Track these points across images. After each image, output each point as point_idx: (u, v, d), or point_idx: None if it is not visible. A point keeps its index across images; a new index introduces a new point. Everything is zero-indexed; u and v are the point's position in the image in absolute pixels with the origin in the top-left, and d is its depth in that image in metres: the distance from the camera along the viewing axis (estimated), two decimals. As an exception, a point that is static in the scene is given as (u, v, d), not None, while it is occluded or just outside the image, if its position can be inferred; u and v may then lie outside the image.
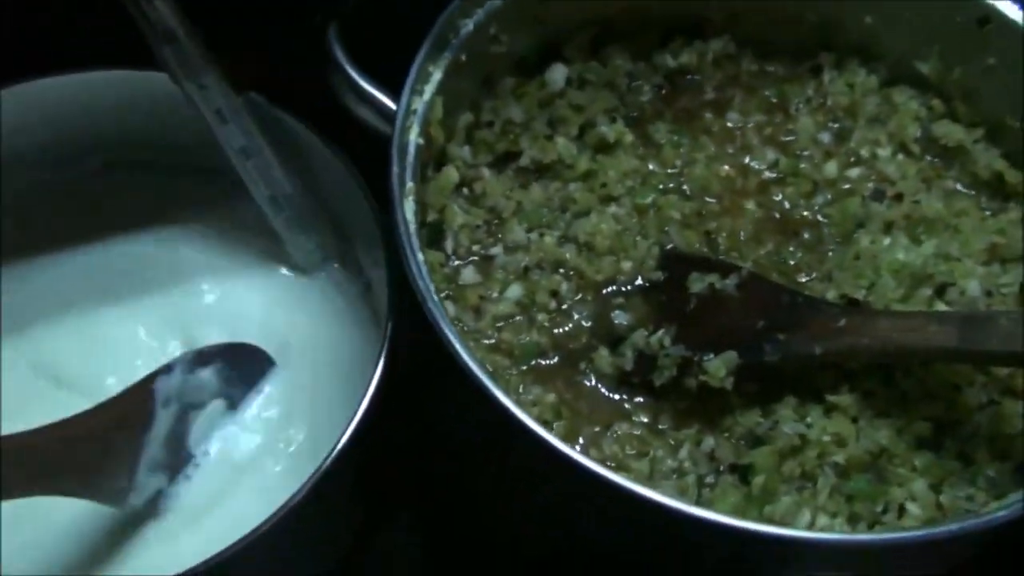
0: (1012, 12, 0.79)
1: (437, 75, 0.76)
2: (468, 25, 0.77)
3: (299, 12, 0.75)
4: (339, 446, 0.65)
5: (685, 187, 0.84)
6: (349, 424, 0.66)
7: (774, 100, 0.88)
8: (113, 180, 0.84)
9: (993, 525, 0.61)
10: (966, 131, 0.83)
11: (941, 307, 0.74)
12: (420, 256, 0.67)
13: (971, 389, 0.71)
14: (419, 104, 0.74)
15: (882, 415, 0.71)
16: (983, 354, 0.65)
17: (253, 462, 0.75)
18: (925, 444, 0.71)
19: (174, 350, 0.78)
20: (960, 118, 0.84)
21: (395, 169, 0.68)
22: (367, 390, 0.66)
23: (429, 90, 0.75)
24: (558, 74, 0.85)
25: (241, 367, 0.77)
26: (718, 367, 0.71)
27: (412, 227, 0.69)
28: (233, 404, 0.76)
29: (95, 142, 0.83)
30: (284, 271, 0.84)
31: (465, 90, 0.80)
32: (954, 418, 0.71)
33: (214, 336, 0.79)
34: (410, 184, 0.71)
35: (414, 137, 0.72)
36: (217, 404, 0.76)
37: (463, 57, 0.76)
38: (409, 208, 0.70)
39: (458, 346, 0.63)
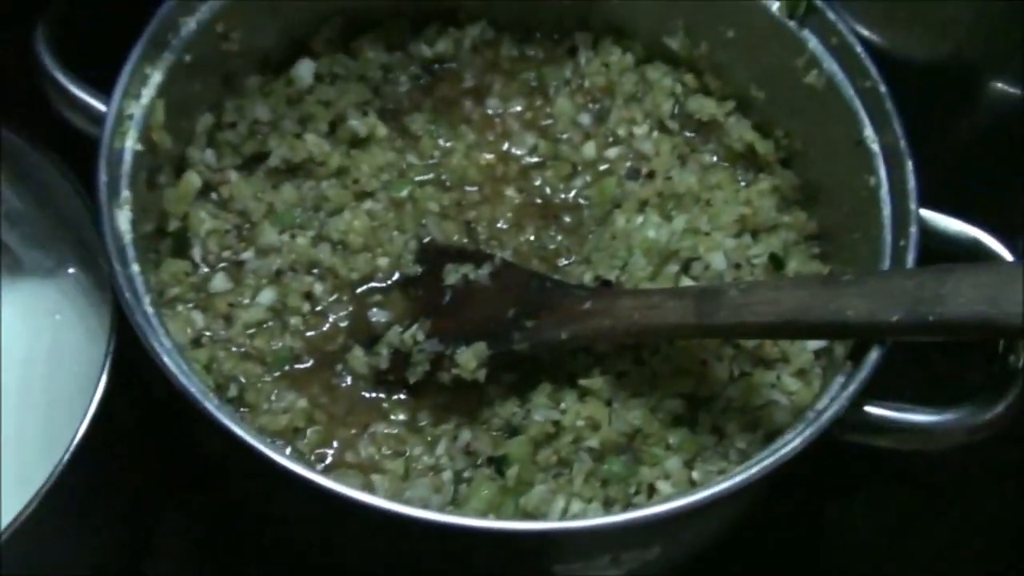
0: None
1: (157, 77, 0.73)
2: (190, 24, 0.74)
3: (9, 14, 0.71)
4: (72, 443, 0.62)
5: (444, 178, 0.82)
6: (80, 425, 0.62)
7: (534, 84, 0.87)
8: None
9: (733, 490, 0.60)
10: (718, 104, 0.84)
11: (687, 283, 0.74)
12: (132, 268, 0.65)
13: (720, 363, 0.72)
14: (136, 108, 0.71)
15: (636, 395, 0.71)
16: (718, 328, 0.65)
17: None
18: (680, 421, 0.71)
19: None
20: (713, 92, 0.85)
21: (103, 178, 0.65)
22: (91, 400, 0.63)
23: (148, 93, 0.72)
24: (305, 70, 0.82)
25: None
26: (468, 359, 0.70)
27: (128, 237, 0.66)
28: None
29: None
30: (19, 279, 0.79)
31: (200, 91, 0.77)
32: (706, 393, 0.71)
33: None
34: (126, 193, 0.68)
35: (130, 144, 0.69)
36: None
37: (187, 57, 0.73)
38: (124, 218, 0.67)
39: (169, 364, 0.60)
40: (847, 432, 0.63)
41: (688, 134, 0.85)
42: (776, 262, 0.77)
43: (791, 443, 0.62)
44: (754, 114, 0.84)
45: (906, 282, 0.60)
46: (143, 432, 0.71)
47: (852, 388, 0.61)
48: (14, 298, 0.79)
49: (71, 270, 0.79)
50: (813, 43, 0.76)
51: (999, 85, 0.73)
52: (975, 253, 0.68)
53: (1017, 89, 0.72)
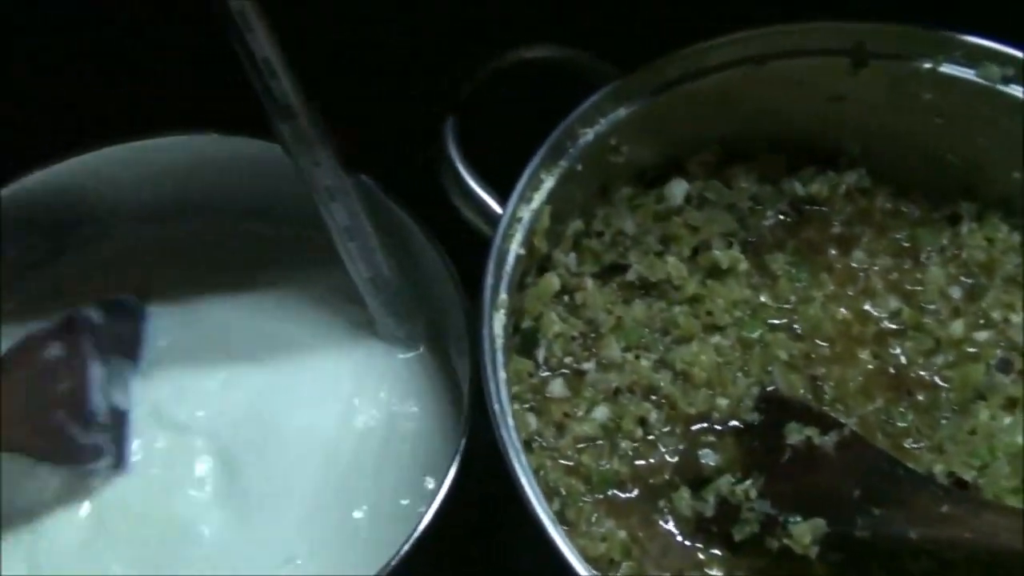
0: None
1: (549, 183, 0.73)
2: (588, 134, 0.74)
3: (419, 96, 0.73)
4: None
5: (796, 326, 0.79)
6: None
7: (905, 244, 0.83)
8: (208, 240, 0.84)
9: None
10: (1115, 307, 0.77)
11: (1056, 507, 0.67)
12: (501, 375, 0.64)
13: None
14: (525, 212, 0.72)
15: (966, 611, 0.65)
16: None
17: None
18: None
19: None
20: (1102, 293, 0.78)
21: (489, 281, 0.66)
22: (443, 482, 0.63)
23: (539, 198, 0.73)
24: (678, 189, 0.81)
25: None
26: (804, 533, 0.67)
27: (500, 342, 0.67)
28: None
29: (199, 201, 0.82)
30: (371, 344, 0.81)
31: (577, 197, 0.78)
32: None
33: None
34: (503, 296, 0.68)
35: (515, 247, 0.70)
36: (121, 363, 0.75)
37: (579, 167, 0.74)
38: (499, 322, 0.67)
39: (523, 480, 0.60)
40: None
41: (1071, 333, 0.78)
42: None
43: None
44: None
45: None
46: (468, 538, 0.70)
47: None
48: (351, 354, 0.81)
49: (420, 349, 0.80)
50: None
51: None
52: None
53: None
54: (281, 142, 0.72)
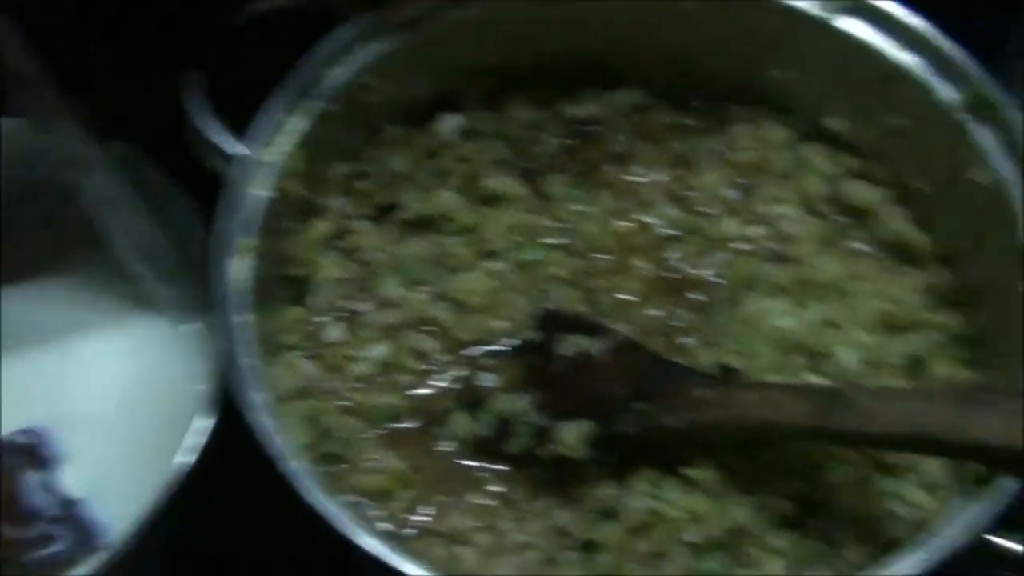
0: (919, 70, 0.74)
1: (301, 126, 0.73)
2: (338, 74, 0.74)
3: (164, 54, 0.73)
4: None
5: (576, 243, 0.80)
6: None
7: (681, 154, 0.84)
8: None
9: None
10: (875, 192, 0.78)
11: (813, 380, 0.69)
12: (246, 316, 0.64)
13: (839, 466, 0.66)
14: (274, 155, 0.71)
15: (743, 492, 0.66)
16: (841, 433, 0.60)
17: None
18: (788, 524, 0.66)
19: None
20: (874, 178, 0.79)
21: (222, 224, 0.65)
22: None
23: (290, 141, 0.73)
24: (448, 124, 0.82)
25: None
26: (571, 434, 0.67)
27: (249, 284, 0.67)
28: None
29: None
30: (150, 319, 0.81)
31: (340, 139, 0.78)
32: (820, 497, 0.66)
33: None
34: (251, 240, 0.68)
35: (262, 191, 0.70)
36: None
37: (334, 107, 0.74)
38: (245, 264, 0.67)
39: (259, 419, 0.60)
40: (973, 564, 0.57)
41: (838, 219, 0.79)
42: (916, 365, 0.71)
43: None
44: (914, 206, 0.78)
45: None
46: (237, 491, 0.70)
47: (977, 518, 0.55)
48: (133, 331, 0.80)
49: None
50: (989, 140, 0.70)
51: None
52: None
53: None
54: (22, 116, 0.71)
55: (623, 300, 0.78)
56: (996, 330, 0.70)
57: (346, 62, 0.76)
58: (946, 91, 0.72)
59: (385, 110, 0.80)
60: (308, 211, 0.77)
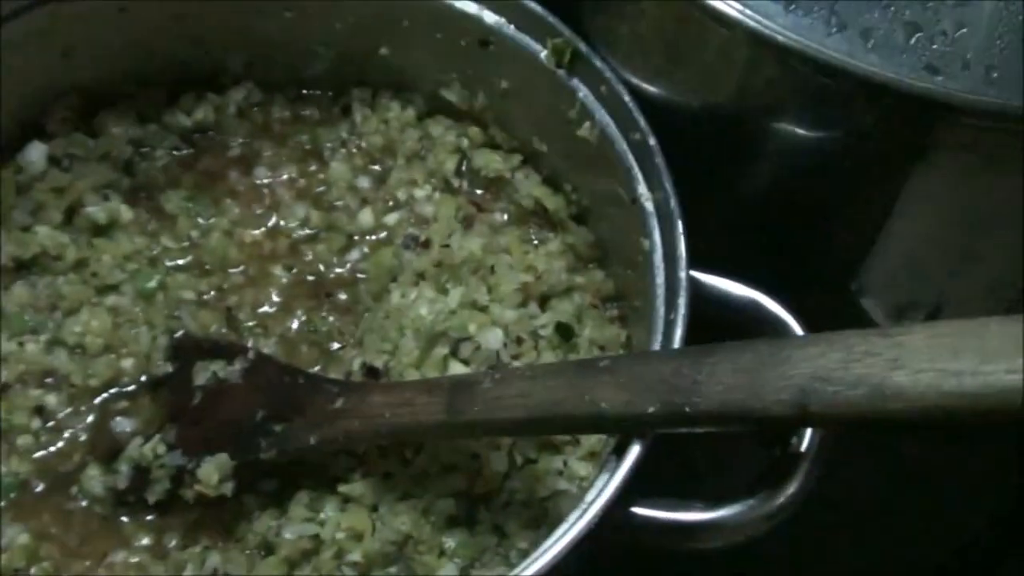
0: (511, 32, 0.72)
1: None
2: None
3: None
4: None
5: (204, 261, 0.74)
6: None
7: (308, 148, 0.80)
8: None
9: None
10: (504, 159, 0.77)
11: (457, 367, 0.66)
12: None
13: (497, 453, 0.64)
14: None
15: (404, 498, 0.64)
16: (469, 425, 0.58)
17: None
18: (456, 523, 0.64)
19: None
20: (500, 146, 0.78)
21: None
22: None
23: None
24: (35, 153, 0.74)
25: None
26: (210, 473, 0.63)
27: None
28: None
29: None
30: None
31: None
32: (483, 488, 0.64)
33: None
34: None
35: None
36: None
37: None
38: None
39: None
40: (619, 533, 0.56)
41: (478, 192, 0.78)
42: (565, 331, 0.70)
43: (555, 546, 0.54)
44: (543, 169, 0.77)
45: (663, 368, 0.53)
46: None
47: (611, 488, 0.54)
48: None
49: None
50: (583, 93, 0.70)
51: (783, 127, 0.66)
52: (756, 317, 0.61)
53: (801, 130, 0.66)
54: None
55: (264, 313, 0.73)
56: (629, 285, 0.70)
57: None
58: (536, 48, 0.71)
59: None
60: None
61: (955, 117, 0.59)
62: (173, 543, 0.65)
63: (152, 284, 0.72)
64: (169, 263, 0.74)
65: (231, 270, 0.75)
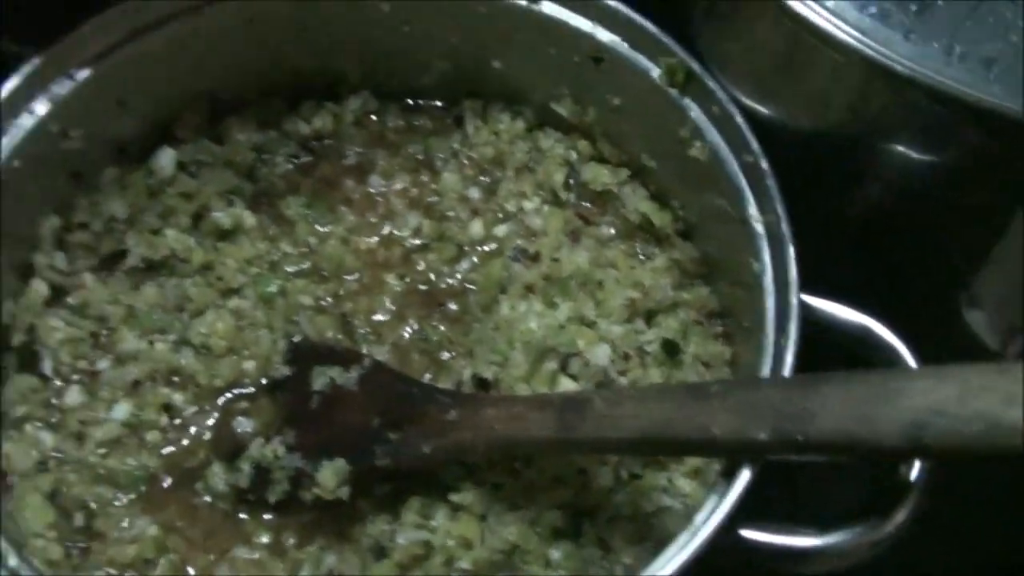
0: (625, 50, 0.73)
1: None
2: (18, 126, 0.69)
3: None
4: None
5: (320, 268, 0.77)
6: None
7: (420, 158, 0.82)
8: None
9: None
10: (612, 173, 0.78)
11: (566, 382, 0.68)
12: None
13: (603, 468, 0.66)
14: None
15: (512, 509, 0.66)
16: (580, 442, 0.59)
17: None
18: (561, 534, 0.65)
19: None
20: (608, 160, 0.79)
21: None
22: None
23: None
24: (166, 159, 0.77)
25: None
26: (327, 477, 0.65)
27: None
28: None
29: None
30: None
31: (42, 192, 0.72)
32: (589, 502, 0.66)
33: None
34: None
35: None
36: None
37: (15, 163, 0.68)
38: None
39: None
40: (726, 556, 0.57)
41: (585, 205, 0.79)
42: (670, 348, 0.71)
43: (666, 567, 0.55)
44: (651, 184, 0.78)
45: (773, 395, 0.54)
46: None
47: (722, 512, 0.55)
48: None
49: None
50: (695, 113, 0.71)
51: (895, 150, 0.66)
52: (866, 343, 0.62)
53: (914, 153, 0.66)
54: None
55: (378, 321, 0.75)
56: (737, 303, 0.71)
57: (25, 111, 0.70)
58: (649, 67, 0.72)
59: (90, 154, 0.74)
60: (24, 272, 0.71)
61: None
62: (291, 542, 0.67)
63: (272, 288, 0.74)
64: (288, 268, 0.76)
65: (347, 277, 0.77)
